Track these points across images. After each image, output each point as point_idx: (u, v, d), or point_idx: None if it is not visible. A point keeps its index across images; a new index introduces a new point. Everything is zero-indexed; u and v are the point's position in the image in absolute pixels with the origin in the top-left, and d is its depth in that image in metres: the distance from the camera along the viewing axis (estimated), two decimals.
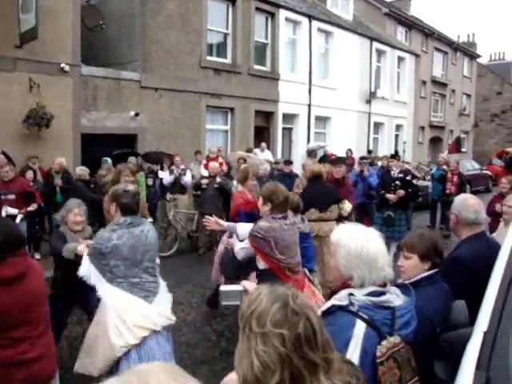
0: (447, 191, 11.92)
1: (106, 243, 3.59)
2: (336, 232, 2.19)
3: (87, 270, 3.66)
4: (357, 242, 2.08)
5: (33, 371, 2.79)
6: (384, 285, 2.09)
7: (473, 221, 3.15)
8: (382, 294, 2.02)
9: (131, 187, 3.93)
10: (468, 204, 3.17)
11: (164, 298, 3.82)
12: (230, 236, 4.78)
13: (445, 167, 12.43)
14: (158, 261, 3.94)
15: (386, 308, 1.98)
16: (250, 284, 1.77)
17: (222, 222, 4.58)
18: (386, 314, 1.96)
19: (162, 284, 3.90)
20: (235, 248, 4.13)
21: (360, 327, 1.90)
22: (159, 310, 3.67)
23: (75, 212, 4.48)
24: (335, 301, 2.00)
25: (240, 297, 1.76)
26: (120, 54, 12.60)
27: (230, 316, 6.11)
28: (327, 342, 1.25)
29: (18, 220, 7.65)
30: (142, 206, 5.82)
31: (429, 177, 14.97)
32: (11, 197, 7.70)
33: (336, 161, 7.37)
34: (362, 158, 11.96)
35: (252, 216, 5.35)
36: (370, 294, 2.00)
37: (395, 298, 2.04)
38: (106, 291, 3.61)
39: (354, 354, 1.85)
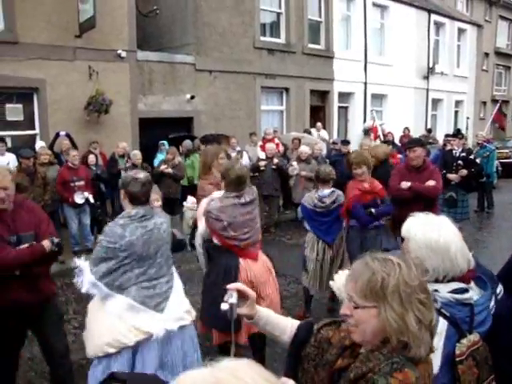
0: None
1: (119, 241, 3.10)
2: (405, 224, 2.08)
3: (89, 282, 3.14)
4: (425, 232, 1.97)
5: None
6: (468, 279, 2.00)
7: None
8: (466, 290, 1.95)
9: (142, 175, 3.32)
10: None
11: (176, 297, 3.39)
12: None
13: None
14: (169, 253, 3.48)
15: (467, 305, 1.91)
16: None
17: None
18: (466, 312, 1.90)
19: (176, 279, 3.50)
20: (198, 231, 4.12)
21: (442, 325, 1.84)
22: (171, 315, 3.26)
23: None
24: None
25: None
26: (173, 38, 12.69)
27: (289, 299, 6.11)
28: None
29: (92, 200, 8.03)
30: None
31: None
32: (81, 183, 7.95)
33: (409, 143, 6.30)
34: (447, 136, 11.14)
35: (374, 205, 5.17)
36: (455, 291, 1.93)
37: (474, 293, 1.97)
38: (111, 301, 3.17)
39: (436, 352, 1.78)
